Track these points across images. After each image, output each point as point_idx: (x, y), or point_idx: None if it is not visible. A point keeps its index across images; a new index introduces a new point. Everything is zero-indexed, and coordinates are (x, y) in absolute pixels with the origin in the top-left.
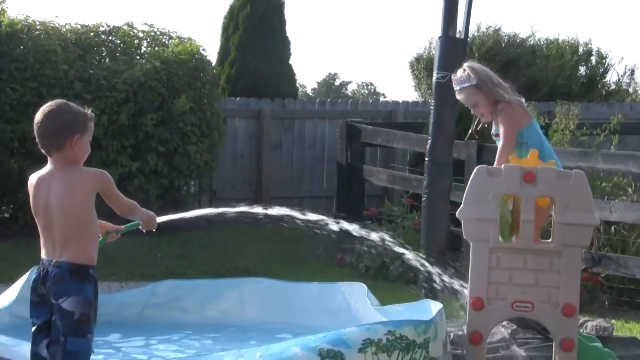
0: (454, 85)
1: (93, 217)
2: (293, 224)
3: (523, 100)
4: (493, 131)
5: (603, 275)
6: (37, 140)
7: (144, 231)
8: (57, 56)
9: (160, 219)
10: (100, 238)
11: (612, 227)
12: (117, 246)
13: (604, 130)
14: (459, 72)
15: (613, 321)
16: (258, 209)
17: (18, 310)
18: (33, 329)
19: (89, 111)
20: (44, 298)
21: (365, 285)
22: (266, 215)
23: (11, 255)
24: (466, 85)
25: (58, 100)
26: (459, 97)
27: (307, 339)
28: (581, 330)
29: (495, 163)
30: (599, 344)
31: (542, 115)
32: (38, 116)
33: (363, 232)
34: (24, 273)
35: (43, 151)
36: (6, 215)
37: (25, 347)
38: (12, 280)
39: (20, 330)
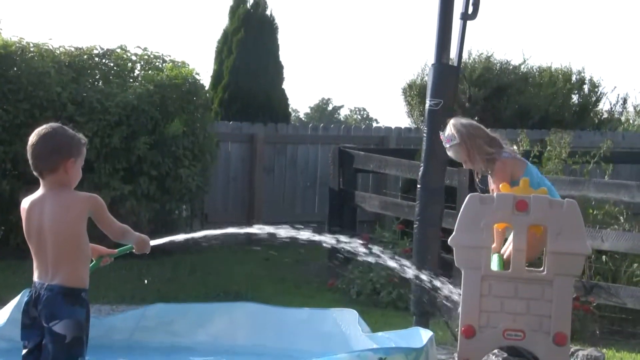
0: (443, 143)
1: (85, 241)
2: (285, 247)
3: (515, 148)
4: (491, 186)
5: (594, 304)
6: (30, 162)
7: (137, 254)
8: (50, 78)
9: (153, 242)
10: (93, 262)
11: (604, 256)
12: (108, 269)
13: (594, 157)
14: (446, 130)
15: (604, 350)
16: (256, 229)
17: (8, 333)
18: (24, 351)
19: (82, 136)
20: (35, 321)
21: (356, 312)
22: (271, 235)
23: (2, 277)
24: (452, 143)
25: (54, 124)
26: (448, 153)
27: None
28: None
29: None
30: None
31: (535, 143)
32: (33, 138)
33: (361, 250)
34: (15, 295)
35: (35, 173)
36: None
37: None
38: (2, 302)
39: (10, 353)
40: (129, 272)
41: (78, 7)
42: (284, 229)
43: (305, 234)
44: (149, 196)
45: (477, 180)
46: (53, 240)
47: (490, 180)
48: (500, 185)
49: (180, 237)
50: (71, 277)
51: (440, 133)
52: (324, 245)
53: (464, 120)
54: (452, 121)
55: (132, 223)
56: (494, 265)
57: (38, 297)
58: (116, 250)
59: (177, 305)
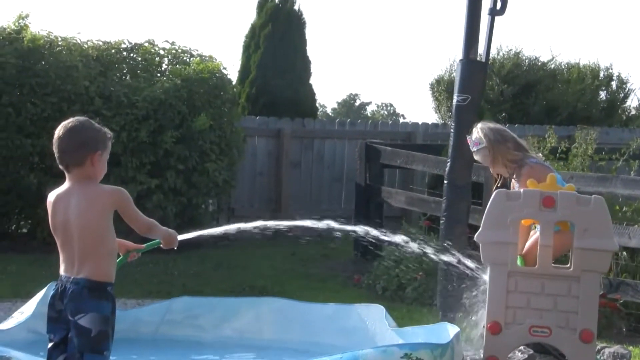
0: (470, 146)
1: (111, 234)
2: (312, 243)
3: (541, 156)
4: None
5: (621, 301)
6: (56, 155)
7: (165, 249)
8: (78, 72)
9: (180, 237)
10: (121, 257)
11: (632, 254)
12: (134, 263)
13: (623, 154)
14: (474, 134)
15: (631, 348)
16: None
17: (34, 326)
18: (49, 345)
19: (107, 130)
20: (61, 314)
21: (382, 307)
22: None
23: (29, 271)
24: (479, 147)
25: (80, 117)
26: (475, 157)
27: (323, 359)
28: (598, 357)
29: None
30: None
31: (562, 140)
32: (59, 131)
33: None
34: (42, 288)
35: (61, 167)
36: (24, 230)
37: None
38: (29, 295)
39: (36, 345)
40: (155, 266)
41: (106, 1)
42: (309, 221)
43: (335, 225)
44: (175, 190)
45: (497, 185)
46: (79, 234)
47: (514, 185)
48: (528, 182)
49: (208, 231)
50: (97, 271)
51: (468, 137)
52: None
53: (492, 125)
54: (479, 125)
55: (159, 217)
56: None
57: (64, 291)
58: (144, 245)
59: (203, 299)
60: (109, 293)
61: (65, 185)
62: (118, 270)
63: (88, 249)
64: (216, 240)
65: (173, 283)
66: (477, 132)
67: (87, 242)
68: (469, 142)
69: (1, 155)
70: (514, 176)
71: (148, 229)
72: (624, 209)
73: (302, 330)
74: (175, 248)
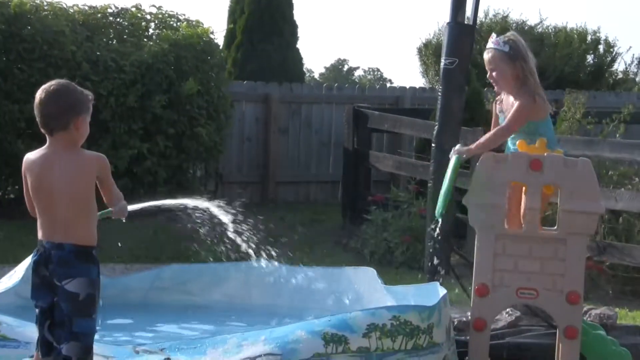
0: (489, 43)
1: (94, 199)
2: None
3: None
4: (498, 109)
5: (608, 264)
6: (38, 119)
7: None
8: (65, 37)
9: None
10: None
11: (618, 216)
12: (123, 228)
13: (614, 120)
14: (501, 36)
15: (617, 309)
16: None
17: (23, 291)
18: (37, 311)
19: (89, 92)
20: (45, 279)
21: (373, 269)
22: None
23: (17, 236)
24: (499, 48)
25: (62, 80)
26: (485, 55)
27: (312, 322)
28: (585, 318)
29: (485, 139)
30: (602, 332)
31: (550, 104)
32: (41, 94)
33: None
34: (29, 254)
35: (44, 131)
36: (12, 196)
37: (30, 328)
38: (17, 260)
39: (26, 310)
40: (143, 230)
41: None
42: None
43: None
44: (165, 155)
45: (496, 105)
46: (66, 201)
47: (505, 101)
48: (517, 142)
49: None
50: (83, 236)
51: (494, 34)
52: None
53: (524, 42)
54: (513, 33)
55: (148, 182)
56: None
57: (49, 256)
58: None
59: (191, 266)
60: (94, 256)
61: (46, 149)
62: (104, 235)
63: (75, 214)
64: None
65: (161, 248)
66: (509, 36)
67: (75, 208)
68: (490, 38)
69: None
70: (510, 95)
71: (118, 199)
72: (609, 173)
73: (291, 294)
74: (124, 220)
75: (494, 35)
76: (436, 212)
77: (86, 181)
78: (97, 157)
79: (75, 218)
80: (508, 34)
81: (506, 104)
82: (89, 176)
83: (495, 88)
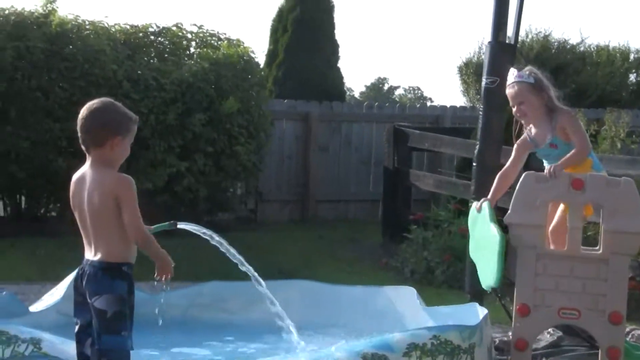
0: (509, 78)
1: (116, 217)
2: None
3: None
4: (548, 140)
5: None
6: (79, 135)
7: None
8: (106, 56)
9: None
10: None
11: None
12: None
13: None
14: (522, 70)
15: None
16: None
17: (65, 309)
18: (76, 328)
19: (132, 114)
20: (84, 297)
21: (413, 289)
22: None
23: (58, 253)
24: (523, 80)
25: (105, 99)
26: (508, 91)
27: (352, 343)
28: (627, 339)
29: (567, 163)
30: None
31: (591, 122)
32: (83, 112)
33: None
34: (71, 271)
35: (83, 147)
36: (53, 213)
37: (72, 345)
38: (59, 278)
39: (67, 328)
40: (183, 250)
41: None
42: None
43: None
44: (204, 174)
45: (515, 132)
46: (90, 217)
47: (536, 132)
48: (562, 164)
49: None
50: (110, 252)
51: (512, 68)
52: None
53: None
54: (529, 67)
55: (189, 200)
56: (484, 210)
57: (84, 274)
58: (152, 227)
59: (231, 283)
60: (125, 272)
61: (85, 166)
62: (145, 255)
63: (98, 231)
64: (244, 224)
65: (202, 266)
66: (527, 69)
67: (97, 225)
68: (511, 72)
69: (30, 139)
70: (543, 123)
71: (133, 226)
72: None
73: (331, 312)
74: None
75: (513, 70)
76: (491, 282)
77: (102, 199)
78: (118, 176)
79: (101, 235)
80: (526, 68)
81: (537, 135)
82: (106, 195)
83: (523, 122)
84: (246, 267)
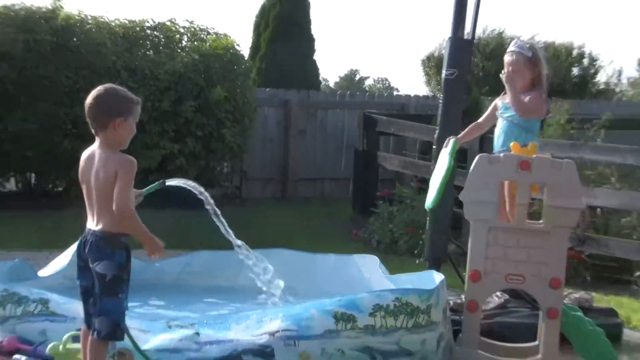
0: (511, 46)
1: None
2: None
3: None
4: (500, 103)
5: (587, 253)
6: (87, 120)
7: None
8: (106, 48)
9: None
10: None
11: (596, 211)
12: (154, 220)
13: (594, 125)
14: (525, 42)
15: (593, 294)
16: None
17: (71, 274)
18: (80, 289)
19: (134, 96)
20: (87, 262)
21: (377, 257)
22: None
23: (66, 224)
24: (524, 52)
25: (107, 85)
26: (508, 57)
27: (324, 302)
28: (565, 301)
29: (524, 104)
30: (580, 313)
31: None
32: (88, 99)
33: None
34: (75, 240)
35: (92, 131)
36: (60, 189)
37: (76, 305)
38: (64, 246)
39: (72, 290)
40: (174, 223)
41: None
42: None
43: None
44: (195, 154)
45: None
46: (95, 191)
47: (512, 93)
48: (511, 145)
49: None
50: (112, 224)
51: (517, 39)
52: None
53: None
54: (532, 42)
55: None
56: (450, 146)
57: (86, 242)
58: (143, 190)
59: (219, 253)
60: (123, 242)
61: (94, 146)
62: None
63: (102, 204)
64: (230, 200)
65: (191, 238)
66: (530, 43)
67: (101, 199)
68: (514, 43)
69: (38, 123)
70: (518, 91)
71: (121, 203)
72: (589, 173)
73: (307, 278)
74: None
75: (518, 39)
76: (428, 203)
77: (106, 177)
78: (120, 157)
79: (103, 207)
80: (528, 41)
81: (510, 101)
82: (109, 173)
83: (507, 86)
84: (228, 232)
